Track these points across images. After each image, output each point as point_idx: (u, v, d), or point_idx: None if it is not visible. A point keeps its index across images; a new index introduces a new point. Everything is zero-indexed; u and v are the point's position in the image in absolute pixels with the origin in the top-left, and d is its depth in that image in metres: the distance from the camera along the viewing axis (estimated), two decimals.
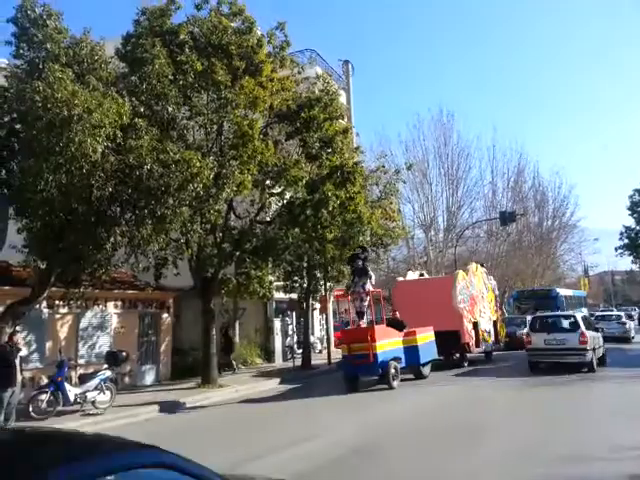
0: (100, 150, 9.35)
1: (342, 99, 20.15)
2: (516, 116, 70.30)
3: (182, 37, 12.77)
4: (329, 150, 15.44)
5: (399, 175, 20.79)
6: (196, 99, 12.98)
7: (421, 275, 20.60)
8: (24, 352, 10.31)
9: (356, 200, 14.97)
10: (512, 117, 69.23)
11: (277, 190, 15.09)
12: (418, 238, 36.58)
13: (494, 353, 19.42)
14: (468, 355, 17.43)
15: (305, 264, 17.92)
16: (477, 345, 17.74)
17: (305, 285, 18.62)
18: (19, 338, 9.92)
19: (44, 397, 10.52)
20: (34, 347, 12.75)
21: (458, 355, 17.18)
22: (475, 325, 17.76)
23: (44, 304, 12.76)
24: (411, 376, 14.57)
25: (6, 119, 10.71)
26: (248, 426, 9.86)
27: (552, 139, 72.69)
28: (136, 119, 10.38)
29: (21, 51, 10.42)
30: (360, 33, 75.48)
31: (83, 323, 14.17)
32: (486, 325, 18.93)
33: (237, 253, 14.72)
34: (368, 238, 18.13)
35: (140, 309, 15.83)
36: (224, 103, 12.90)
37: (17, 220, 10.76)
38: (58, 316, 13.59)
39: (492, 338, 19.32)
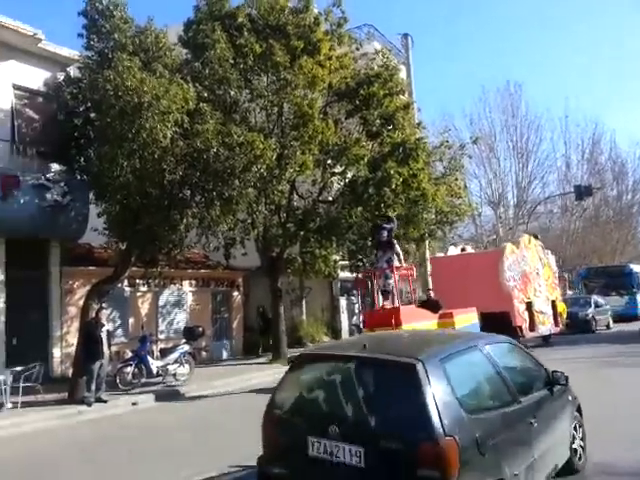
0: (169, 135, 9.77)
1: (402, 74, 19.62)
2: (590, 85, 65.59)
3: (240, 20, 12.98)
4: (390, 127, 15.20)
5: (464, 150, 20.10)
6: (256, 82, 13.23)
7: (463, 250, 18.92)
8: (110, 328, 11.08)
9: (419, 177, 14.68)
10: (585, 86, 64.64)
11: (339, 169, 15.12)
12: (486, 215, 35.39)
13: (553, 337, 17.67)
14: (521, 340, 15.93)
15: (369, 243, 17.88)
16: (532, 328, 15.90)
17: (369, 264, 18.60)
18: (104, 315, 10.72)
19: (129, 370, 11.34)
20: (118, 323, 13.75)
21: None
22: (529, 306, 15.86)
23: (126, 283, 13.70)
24: None
25: (82, 108, 11.36)
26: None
27: (630, 108, 67.26)
28: (201, 104, 10.71)
29: (92, 42, 10.91)
30: (419, 4, 73.06)
31: (161, 300, 15.12)
32: (542, 305, 16.94)
33: (301, 233, 14.96)
34: (433, 216, 17.79)
35: (212, 287, 16.62)
36: (283, 84, 13.05)
37: (97, 204, 11.53)
38: (139, 294, 14.56)
39: (550, 320, 17.33)
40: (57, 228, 11.86)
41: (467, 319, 12.90)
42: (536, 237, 19.64)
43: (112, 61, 9.95)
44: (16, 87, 12.06)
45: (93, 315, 10.40)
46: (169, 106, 9.63)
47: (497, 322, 13.66)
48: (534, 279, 16.81)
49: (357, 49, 15.97)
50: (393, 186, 13.93)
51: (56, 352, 12.37)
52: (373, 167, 14.30)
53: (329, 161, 14.78)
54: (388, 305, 12.06)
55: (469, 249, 19.30)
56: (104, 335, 10.15)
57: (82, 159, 11.38)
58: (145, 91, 9.34)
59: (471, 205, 22.31)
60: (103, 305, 11.13)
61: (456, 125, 31.95)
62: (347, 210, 14.84)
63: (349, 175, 15.17)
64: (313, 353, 5.28)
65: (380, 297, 12.76)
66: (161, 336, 14.70)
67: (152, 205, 10.68)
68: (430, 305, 13.03)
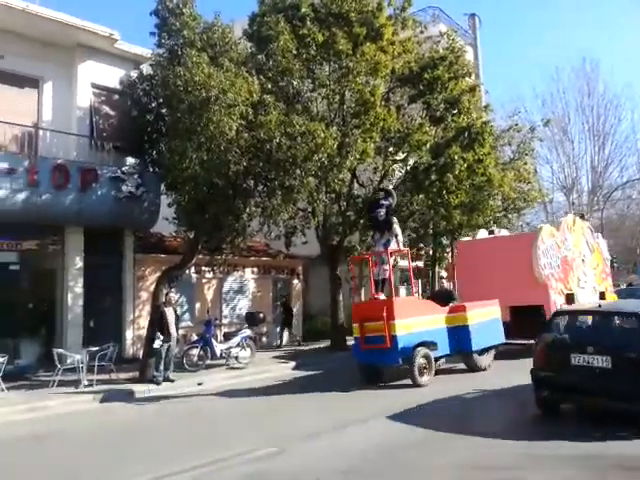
0: (235, 128, 10.06)
1: (469, 56, 19.00)
2: None
3: (303, 10, 13.01)
4: (455, 111, 14.79)
5: (534, 133, 19.28)
6: (319, 71, 13.25)
7: (491, 233, 15.69)
8: (178, 312, 11.68)
9: (485, 162, 14.22)
10: None
11: (400, 156, 14.92)
12: (558, 202, 33.77)
13: None
14: None
15: (431, 231, 17.59)
16: None
17: (431, 253, 18.33)
18: (173, 299, 11.31)
19: (195, 352, 11.94)
20: (185, 308, 14.46)
21: None
22: (569, 298, 13.39)
23: (192, 270, 14.37)
24: (463, 367, 11.13)
25: (154, 104, 11.94)
26: None
27: None
28: (264, 95, 10.92)
29: (162, 40, 11.37)
30: None
31: (225, 287, 15.73)
32: (587, 298, 14.33)
33: (361, 221, 14.96)
34: (499, 202, 17.20)
35: (273, 275, 17.05)
36: (345, 72, 13.00)
37: (168, 195, 12.14)
38: (204, 280, 15.22)
39: None
40: (131, 218, 12.59)
41: (486, 314, 11.13)
42: (582, 217, 17.47)
43: (182, 57, 10.35)
44: (94, 86, 12.83)
45: (163, 300, 11.00)
46: (235, 99, 9.90)
47: (529, 317, 12.09)
48: (578, 267, 14.32)
49: (421, 32, 15.57)
50: (457, 172, 13.61)
51: (128, 334, 13.21)
52: (436, 153, 14.01)
53: (390, 148, 14.61)
54: (381, 296, 10.41)
55: (503, 232, 15.79)
56: (172, 318, 10.72)
57: (154, 152, 11.97)
58: (212, 85, 9.65)
59: (541, 191, 21.38)
60: (172, 290, 11.73)
61: (527, 106, 30.55)
62: (408, 198, 14.67)
63: (411, 162, 14.94)
64: (565, 310, 8.22)
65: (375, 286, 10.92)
66: (225, 321, 15.31)
67: (218, 195, 11.08)
68: (441, 296, 11.50)
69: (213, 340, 12.19)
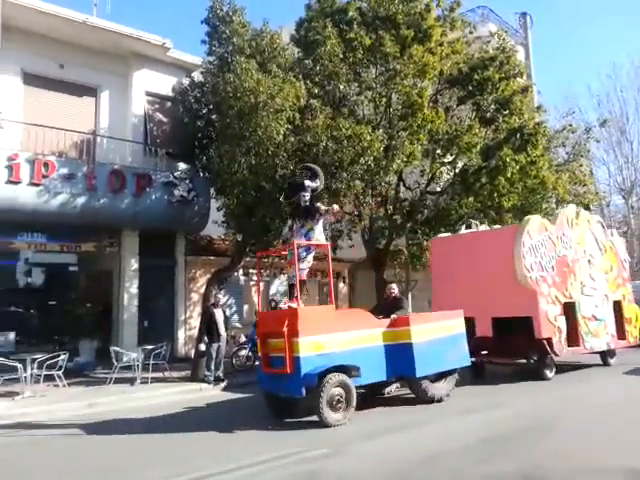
0: (282, 132, 10.21)
1: (520, 55, 18.49)
2: None
3: (351, 14, 13.05)
4: (506, 112, 14.40)
5: (590, 134, 18.46)
6: (365, 74, 13.23)
7: (468, 227, 12.39)
8: (227, 313, 11.92)
9: (538, 164, 13.75)
10: None
11: (448, 159, 14.66)
12: (616, 205, 32.15)
13: (619, 353, 12.31)
14: (555, 358, 10.50)
15: None
16: (573, 341, 10.76)
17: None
18: (221, 300, 11.55)
19: (243, 353, 12.13)
20: (234, 309, 14.77)
21: (533, 359, 10.40)
22: (568, 308, 10.88)
23: (240, 272, 14.62)
24: (410, 395, 8.46)
25: (204, 111, 12.31)
26: None
27: None
28: (311, 100, 11.04)
29: (213, 48, 11.74)
30: None
31: (272, 289, 15.91)
32: (594, 308, 11.56)
33: (408, 224, 14.78)
34: (553, 205, 16.57)
35: (319, 278, 17.07)
36: (392, 74, 12.91)
37: (217, 199, 12.44)
38: (252, 283, 15.47)
39: (609, 330, 11.80)
40: (183, 221, 12.99)
41: (441, 329, 8.44)
42: (588, 208, 15.08)
43: (231, 64, 10.60)
44: (148, 94, 13.35)
45: (212, 301, 11.25)
46: (282, 104, 10.05)
47: (516, 332, 10.20)
48: (581, 270, 11.54)
49: (470, 32, 15.30)
50: (509, 174, 13.21)
51: (180, 334, 13.60)
52: (486, 155, 13.66)
53: (438, 150, 14.38)
54: (288, 305, 7.78)
55: (481, 227, 12.52)
56: (221, 319, 10.93)
57: (204, 158, 12.30)
58: (261, 91, 9.83)
59: (598, 194, 20.46)
60: (221, 292, 11.99)
61: (581, 107, 29.33)
62: (457, 201, 14.37)
63: (459, 164, 14.64)
64: None
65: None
66: None
67: (265, 198, 11.25)
68: (387, 306, 8.80)
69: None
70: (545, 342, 10.16)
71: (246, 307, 15.12)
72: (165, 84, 13.33)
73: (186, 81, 13.08)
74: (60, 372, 9.60)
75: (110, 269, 12.99)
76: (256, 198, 11.23)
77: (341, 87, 12.18)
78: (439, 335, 8.34)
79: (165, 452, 6.17)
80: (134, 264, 12.72)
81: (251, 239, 11.90)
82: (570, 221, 11.80)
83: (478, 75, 13.84)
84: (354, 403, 7.20)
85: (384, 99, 13.50)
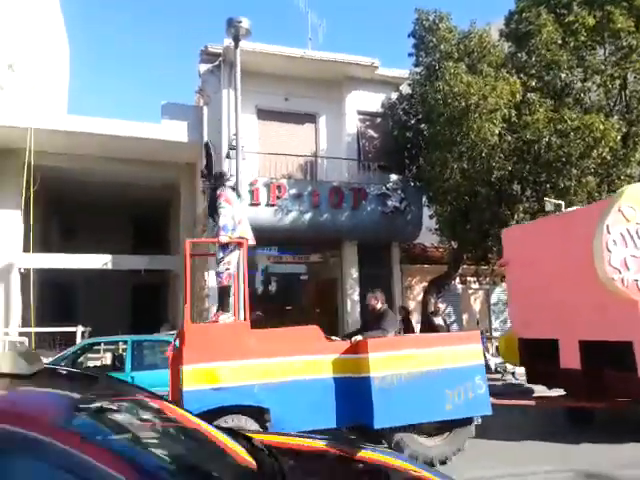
0: (497, 132, 9.76)
1: None
2: None
3: None
4: None
5: None
6: (591, 57, 11.78)
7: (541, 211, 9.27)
8: (447, 320, 11.80)
9: None
10: None
11: None
12: None
13: None
14: None
15: None
16: None
17: None
18: (441, 309, 11.49)
19: None
20: (453, 318, 14.52)
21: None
22: None
23: (457, 280, 14.34)
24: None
25: (412, 121, 12.53)
26: None
27: None
28: (528, 94, 10.32)
29: (420, 59, 11.92)
30: None
31: (493, 298, 15.25)
32: None
33: None
34: None
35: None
36: (627, 52, 11.23)
37: (429, 207, 12.48)
38: (470, 291, 15.06)
39: None
40: (396, 231, 13.36)
41: (429, 359, 5.54)
42: None
43: (439, 71, 10.58)
44: (359, 112, 14.17)
45: (431, 309, 11.27)
46: (496, 103, 9.65)
47: (612, 364, 6.63)
48: None
49: None
50: None
51: None
52: None
53: None
54: (223, 317, 5.85)
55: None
56: (442, 328, 10.86)
57: (415, 168, 12.49)
58: (472, 93, 9.59)
59: None
60: (439, 300, 11.93)
61: None
62: None
63: None
64: None
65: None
66: (495, 334, 14.72)
67: (481, 203, 10.86)
68: (372, 319, 6.54)
69: (486, 353, 11.86)
70: None
71: (465, 316, 14.73)
72: (374, 101, 13.97)
73: (394, 95, 13.49)
74: None
75: (334, 277, 14.07)
76: (471, 203, 10.93)
77: (562, 75, 11.07)
78: (424, 367, 5.49)
79: None
80: (354, 273, 13.54)
81: (468, 246, 11.60)
82: None
83: None
84: None
85: (617, 81, 11.80)
